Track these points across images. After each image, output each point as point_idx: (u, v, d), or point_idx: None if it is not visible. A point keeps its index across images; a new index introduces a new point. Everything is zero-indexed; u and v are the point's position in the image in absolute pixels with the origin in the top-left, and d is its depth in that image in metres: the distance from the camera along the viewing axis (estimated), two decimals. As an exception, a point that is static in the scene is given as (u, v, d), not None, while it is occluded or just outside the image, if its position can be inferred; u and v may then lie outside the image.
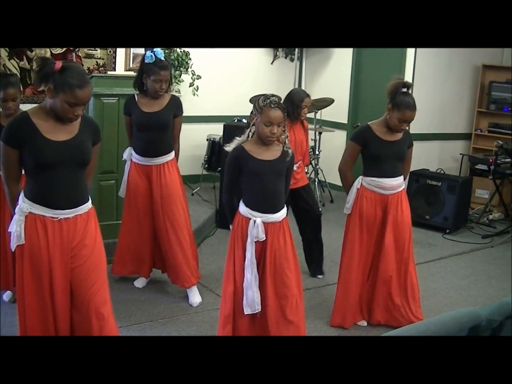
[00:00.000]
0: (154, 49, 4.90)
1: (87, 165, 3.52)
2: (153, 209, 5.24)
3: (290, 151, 4.04)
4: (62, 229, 3.41)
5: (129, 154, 5.24)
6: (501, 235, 7.63)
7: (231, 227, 4.19)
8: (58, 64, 3.21)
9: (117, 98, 5.66)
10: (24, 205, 3.37)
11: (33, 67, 3.33)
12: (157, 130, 5.08)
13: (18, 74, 7.74)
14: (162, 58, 4.91)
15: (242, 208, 4.04)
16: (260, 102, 3.87)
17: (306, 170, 8.60)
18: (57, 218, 3.39)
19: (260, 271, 4.05)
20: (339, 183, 5.13)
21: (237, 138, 4.05)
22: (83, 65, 7.86)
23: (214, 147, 8.34)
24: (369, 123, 4.78)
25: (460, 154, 8.90)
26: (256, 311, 4.03)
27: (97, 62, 8.12)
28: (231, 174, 4.05)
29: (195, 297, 5.26)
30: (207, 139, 8.52)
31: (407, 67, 8.47)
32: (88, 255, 3.50)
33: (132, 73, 5.54)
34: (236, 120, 8.23)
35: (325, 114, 8.95)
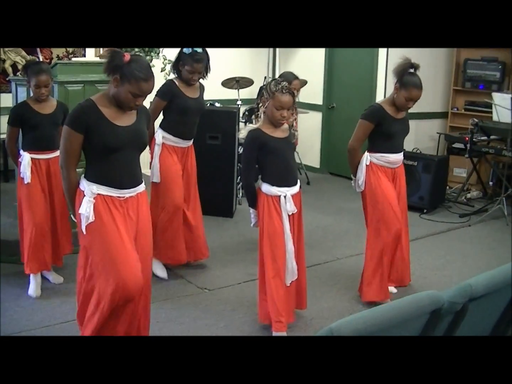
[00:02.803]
0: None
1: (144, 148, 3.79)
2: (185, 188, 5.48)
3: (296, 133, 4.55)
4: (128, 206, 3.63)
5: (159, 138, 5.31)
6: (478, 214, 7.60)
7: (251, 210, 4.49)
8: (127, 57, 3.43)
9: (82, 84, 5.58)
10: (92, 187, 3.54)
11: (103, 58, 3.66)
12: (197, 115, 5.42)
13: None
14: (199, 50, 5.07)
15: (267, 188, 4.32)
16: (272, 87, 4.19)
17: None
18: (123, 197, 3.60)
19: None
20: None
21: (250, 125, 4.48)
22: (52, 52, 7.77)
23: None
24: (379, 102, 4.98)
25: (437, 133, 8.86)
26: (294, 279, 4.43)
27: (66, 49, 8.01)
28: (250, 154, 4.34)
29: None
30: (180, 124, 8.41)
31: (381, 48, 8.38)
32: (147, 231, 3.78)
33: (98, 59, 5.44)
34: (208, 104, 8.13)
35: (299, 96, 8.85)
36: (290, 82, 5.67)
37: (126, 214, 3.61)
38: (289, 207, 4.28)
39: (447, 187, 8.39)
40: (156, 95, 5.22)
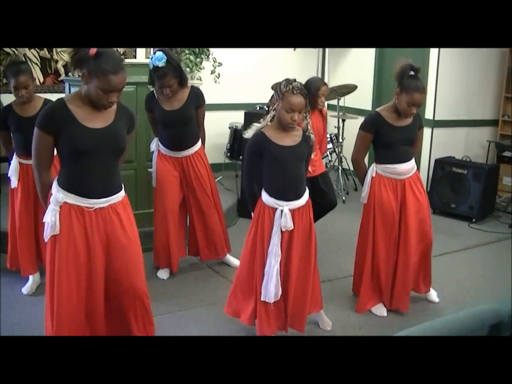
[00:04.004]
0: (155, 53, 4.91)
1: (122, 153, 3.51)
2: (185, 195, 5.44)
3: (312, 136, 4.06)
4: (98, 219, 3.39)
5: (156, 145, 5.34)
6: (529, 224, 7.45)
7: (252, 214, 4.22)
8: (93, 50, 3.17)
9: (135, 86, 5.59)
10: (59, 195, 3.35)
11: (68, 54, 3.34)
12: (181, 126, 5.20)
13: (39, 64, 7.76)
14: (160, 64, 4.86)
15: (266, 198, 4.06)
16: (282, 88, 3.85)
17: (330, 158, 8.53)
18: (92, 207, 3.37)
19: (286, 257, 4.09)
20: None
21: (256, 124, 4.05)
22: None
23: (237, 135, 8.23)
24: (377, 109, 4.72)
25: (487, 141, 8.72)
26: (275, 300, 4.08)
27: (117, 50, 8.06)
28: (251, 159, 4.06)
29: (233, 261, 5.70)
30: (229, 127, 8.42)
31: (431, 52, 8.28)
32: (125, 245, 3.49)
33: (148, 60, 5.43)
34: (258, 108, 8.13)
35: (348, 100, 8.81)
36: (319, 88, 5.67)
37: (95, 227, 3.39)
38: (283, 222, 3.97)
39: (497, 196, 8.25)
40: (144, 108, 5.27)
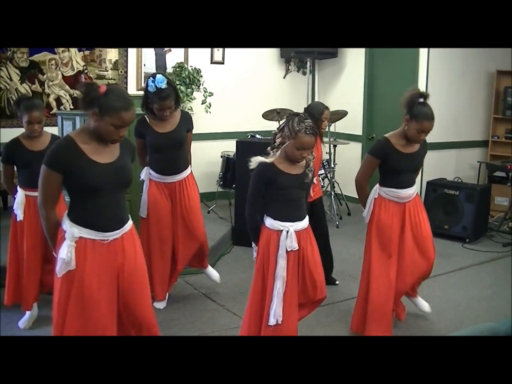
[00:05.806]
0: (156, 76, 4.92)
1: (129, 186, 3.61)
2: (174, 223, 5.36)
3: (310, 174, 4.12)
4: (109, 250, 3.43)
5: (147, 174, 5.31)
6: (522, 243, 7.49)
7: (253, 245, 4.25)
8: (103, 88, 3.27)
9: (127, 117, 5.61)
10: (73, 229, 3.35)
11: (79, 93, 3.26)
12: (174, 148, 5.20)
13: (30, 98, 7.77)
14: (163, 86, 4.90)
15: (270, 222, 4.09)
16: (296, 126, 3.89)
17: (322, 184, 8.56)
18: (107, 240, 3.41)
19: (294, 279, 4.10)
20: (356, 196, 5.03)
21: (261, 157, 4.07)
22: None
23: (229, 164, 8.25)
24: (387, 135, 4.73)
25: (478, 161, 8.79)
26: (279, 323, 4.06)
27: (108, 82, 8.12)
28: (258, 188, 4.08)
29: (214, 273, 5.76)
30: (221, 156, 8.44)
31: (420, 77, 8.38)
32: (138, 272, 3.57)
33: (142, 92, 5.45)
34: (249, 136, 8.18)
35: (339, 126, 8.88)
36: (322, 112, 5.68)
37: (111, 258, 3.43)
38: (289, 242, 4.01)
39: (489, 216, 8.30)
40: (134, 134, 5.25)
